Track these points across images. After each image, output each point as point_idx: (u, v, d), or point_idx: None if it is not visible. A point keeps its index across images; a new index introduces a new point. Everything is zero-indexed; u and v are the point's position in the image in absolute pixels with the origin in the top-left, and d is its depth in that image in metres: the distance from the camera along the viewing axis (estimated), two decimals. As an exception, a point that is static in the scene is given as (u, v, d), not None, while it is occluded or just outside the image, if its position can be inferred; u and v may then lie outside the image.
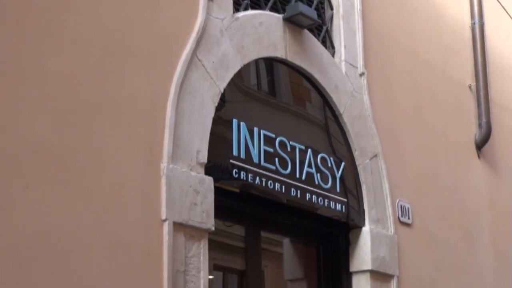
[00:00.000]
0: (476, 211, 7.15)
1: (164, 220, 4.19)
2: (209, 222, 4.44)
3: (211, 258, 4.57)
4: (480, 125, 7.31)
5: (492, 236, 7.30)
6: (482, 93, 7.35)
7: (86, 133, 3.85)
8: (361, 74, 6.01)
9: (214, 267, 5.07)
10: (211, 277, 4.76)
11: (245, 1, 5.21)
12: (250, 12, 5.18)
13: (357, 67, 5.99)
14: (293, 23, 5.39)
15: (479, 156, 7.33)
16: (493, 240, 7.30)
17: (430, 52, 6.96)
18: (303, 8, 5.36)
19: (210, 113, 4.64)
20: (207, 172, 4.51)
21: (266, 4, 5.37)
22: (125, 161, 4.06)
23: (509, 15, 7.91)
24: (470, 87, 7.38)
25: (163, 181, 4.23)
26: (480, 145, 7.31)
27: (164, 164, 4.26)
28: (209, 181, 4.49)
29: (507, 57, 8.07)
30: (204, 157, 4.51)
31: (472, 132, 7.30)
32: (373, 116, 6.01)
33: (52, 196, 3.55)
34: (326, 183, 5.48)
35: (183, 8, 4.65)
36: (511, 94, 8.05)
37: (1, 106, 3.30)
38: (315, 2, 5.80)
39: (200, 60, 4.65)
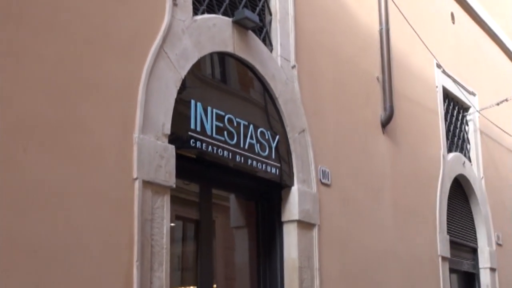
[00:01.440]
0: (380, 174, 7.26)
1: (136, 179, 4.20)
2: (171, 181, 4.46)
3: (172, 210, 4.58)
4: (385, 108, 7.40)
5: (393, 194, 7.44)
6: (387, 84, 7.44)
7: (74, 108, 3.87)
8: (293, 67, 6.04)
9: (175, 217, 5.08)
10: (172, 224, 4.76)
11: (202, 7, 5.21)
12: (206, 15, 5.18)
13: (289, 61, 6.01)
14: (240, 25, 5.40)
15: (383, 132, 7.43)
16: (393, 197, 7.43)
17: (347, 51, 7.01)
18: (248, 13, 5.38)
19: (173, 94, 4.64)
20: (170, 141, 4.52)
21: (219, 10, 5.37)
22: (105, 131, 4.07)
23: (408, 22, 8.00)
24: (378, 79, 7.46)
25: (135, 148, 4.23)
26: (385, 123, 7.41)
27: (136, 135, 4.26)
28: (171, 148, 4.50)
29: (406, 55, 8.17)
30: (168, 129, 4.52)
31: (378, 113, 7.39)
32: (302, 99, 6.05)
33: (45, 157, 3.59)
34: (264, 152, 5.52)
35: (152, 11, 4.64)
36: (409, 85, 8.16)
37: (6, 86, 3.35)
38: (257, 9, 5.81)
39: (166, 53, 4.65)
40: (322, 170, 6.19)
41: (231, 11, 5.46)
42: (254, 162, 5.40)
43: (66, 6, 3.91)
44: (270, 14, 5.98)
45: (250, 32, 5.54)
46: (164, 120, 4.53)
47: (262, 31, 5.84)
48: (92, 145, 3.97)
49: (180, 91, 4.72)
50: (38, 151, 3.56)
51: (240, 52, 5.42)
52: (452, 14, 9.81)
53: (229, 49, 5.32)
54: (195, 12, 5.08)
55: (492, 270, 9.78)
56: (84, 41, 4.04)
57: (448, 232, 8.58)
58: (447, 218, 8.65)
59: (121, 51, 4.33)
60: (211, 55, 5.23)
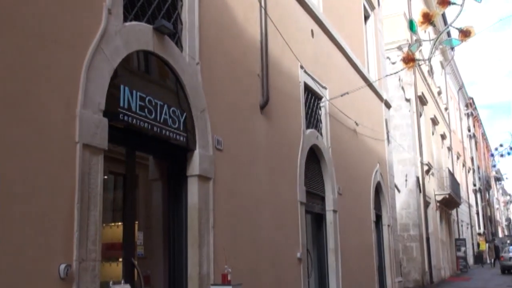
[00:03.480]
0: (258, 143, 7.38)
1: (77, 142, 4.19)
2: (104, 144, 4.46)
3: (105, 166, 4.56)
4: (262, 96, 7.52)
5: (266, 157, 7.59)
6: (264, 79, 7.56)
7: (30, 87, 3.83)
8: (197, 63, 6.05)
9: (108, 172, 5.03)
10: (105, 177, 4.74)
11: (131, 16, 5.14)
12: (133, 22, 5.12)
13: (195, 59, 6.02)
14: (158, 31, 5.36)
15: (261, 113, 7.56)
16: (267, 159, 7.59)
17: (237, 53, 7.07)
18: (164, 22, 5.37)
19: (107, 80, 4.61)
20: (104, 115, 4.50)
21: (143, 18, 5.31)
22: (54, 106, 4.05)
23: (281, 35, 8.15)
24: (258, 75, 7.56)
25: (77, 119, 4.22)
26: (262, 107, 7.52)
27: (78, 109, 4.24)
28: (105, 120, 4.48)
29: (279, 59, 8.31)
30: (102, 106, 4.50)
31: (258, 99, 7.51)
32: (203, 87, 6.09)
33: (11, 119, 3.63)
34: (175, 124, 5.53)
35: (93, 17, 4.59)
36: (281, 80, 8.30)
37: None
38: (172, 20, 5.78)
39: (102, 49, 4.59)
40: (217, 139, 6.26)
41: (152, 20, 5.41)
42: (167, 132, 5.41)
43: (19, 5, 3.86)
44: (181, 24, 5.96)
45: (166, 36, 5.51)
46: (100, 99, 4.50)
47: (175, 36, 5.81)
48: (44, 116, 3.94)
49: (112, 78, 4.69)
50: (5, 114, 3.60)
51: (159, 51, 5.39)
52: (312, 31, 10.04)
53: (150, 48, 5.28)
54: (125, 19, 5.02)
55: (335, 212, 10.14)
56: (40, 37, 3.99)
57: (305, 185, 8.79)
58: (305, 175, 8.84)
59: (68, 46, 4.28)
60: (137, 52, 5.18)
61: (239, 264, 6.33)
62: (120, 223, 5.04)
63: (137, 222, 5.27)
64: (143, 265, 5.12)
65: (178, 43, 5.85)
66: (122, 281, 4.43)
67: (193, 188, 5.78)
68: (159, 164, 5.89)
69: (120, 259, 4.93)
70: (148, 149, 5.62)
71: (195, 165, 5.79)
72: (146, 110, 5.10)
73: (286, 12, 8.90)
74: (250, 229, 6.89)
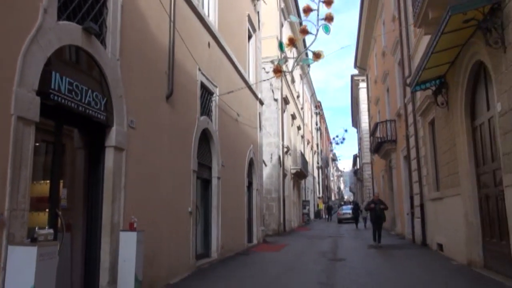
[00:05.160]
0: (164, 125, 7.31)
1: (12, 114, 3.91)
2: (36, 118, 4.21)
3: (38, 136, 4.32)
4: (168, 88, 7.46)
5: (169, 136, 7.53)
6: (170, 76, 7.50)
7: None
8: (118, 60, 5.85)
9: (40, 140, 4.71)
10: (38, 144, 4.47)
11: (63, 16, 4.82)
12: (66, 22, 4.82)
13: (116, 56, 5.81)
14: (87, 30, 5.10)
15: (167, 102, 7.49)
16: (169, 137, 7.54)
17: (149, 54, 6.91)
18: (92, 24, 5.13)
19: (41, 66, 4.34)
20: (37, 94, 4.22)
21: (74, 19, 5.00)
22: (-7, 84, 3.68)
23: (184, 43, 8.03)
24: (166, 73, 7.46)
25: (13, 96, 3.94)
26: (168, 97, 7.47)
27: (14, 88, 3.93)
28: (37, 98, 4.23)
29: (183, 61, 8.24)
30: (36, 86, 4.22)
31: (165, 91, 7.42)
32: (121, 79, 5.90)
33: None
34: (97, 106, 5.32)
35: (31, 14, 4.27)
36: (183, 78, 8.26)
37: None
38: (98, 23, 5.50)
39: (38, 41, 4.30)
40: (131, 120, 6.11)
41: (82, 21, 5.12)
42: (90, 111, 5.20)
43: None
44: (106, 27, 5.69)
45: (93, 36, 5.27)
46: (34, 81, 4.23)
47: (101, 36, 5.55)
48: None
49: (46, 65, 4.41)
50: None
51: (86, 47, 5.14)
52: (209, 43, 10.04)
53: (79, 44, 5.02)
54: (59, 18, 4.71)
55: (218, 178, 10.32)
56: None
57: (197, 158, 8.86)
58: (198, 150, 8.90)
59: (8, 36, 3.96)
60: (68, 46, 4.90)
61: (143, 216, 6.28)
62: (48, 181, 4.76)
63: (62, 180, 5.03)
64: (65, 215, 4.90)
65: (103, 42, 5.59)
66: (47, 227, 4.21)
67: (109, 156, 5.63)
68: (83, 136, 5.62)
69: (47, 210, 4.68)
70: (74, 124, 5.33)
71: (112, 138, 5.63)
72: (73, 92, 4.83)
73: (191, 26, 8.82)
74: (154, 189, 6.83)
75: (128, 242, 5.42)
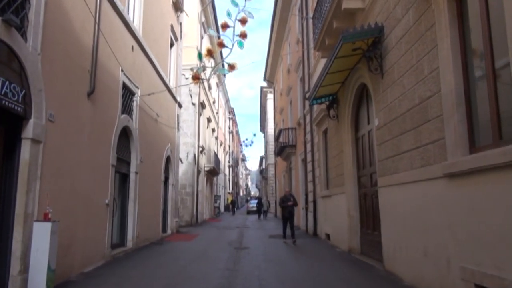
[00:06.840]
0: (85, 121, 6.85)
1: None
2: None
3: None
4: (90, 86, 7.03)
5: (90, 131, 7.09)
6: (92, 74, 7.08)
7: None
8: (39, 54, 5.39)
9: None
10: None
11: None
12: None
13: (37, 50, 5.35)
14: (7, 22, 4.65)
15: (88, 98, 7.04)
16: (90, 133, 7.09)
17: (73, 52, 6.45)
18: (12, 16, 4.71)
19: None
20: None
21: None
22: None
23: (109, 45, 7.66)
24: (88, 71, 7.03)
25: None
26: (89, 94, 7.03)
27: None
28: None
29: (106, 62, 7.82)
30: None
31: (86, 89, 6.98)
32: (41, 72, 5.45)
33: None
34: (14, 97, 4.86)
35: None
36: (106, 77, 7.84)
37: None
38: (20, 17, 5.02)
39: None
40: (50, 113, 5.67)
41: (1, 13, 4.63)
42: (7, 103, 4.73)
43: None
44: (27, 21, 5.21)
45: (13, 28, 4.81)
46: None
47: (21, 30, 5.07)
48: None
49: None
50: None
51: (5, 38, 4.68)
52: (132, 47, 9.69)
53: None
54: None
55: (136, 173, 9.98)
56: None
57: (116, 153, 8.52)
58: (117, 146, 8.54)
59: None
60: None
61: (60, 207, 5.88)
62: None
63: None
64: (-26, 205, 4.37)
65: (24, 36, 5.12)
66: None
67: (25, 148, 5.17)
68: (2, 127, 5.07)
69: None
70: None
71: (29, 131, 5.18)
72: (-10, 84, 4.35)
73: (115, 29, 8.41)
74: (72, 182, 6.40)
75: (42, 232, 5.00)
